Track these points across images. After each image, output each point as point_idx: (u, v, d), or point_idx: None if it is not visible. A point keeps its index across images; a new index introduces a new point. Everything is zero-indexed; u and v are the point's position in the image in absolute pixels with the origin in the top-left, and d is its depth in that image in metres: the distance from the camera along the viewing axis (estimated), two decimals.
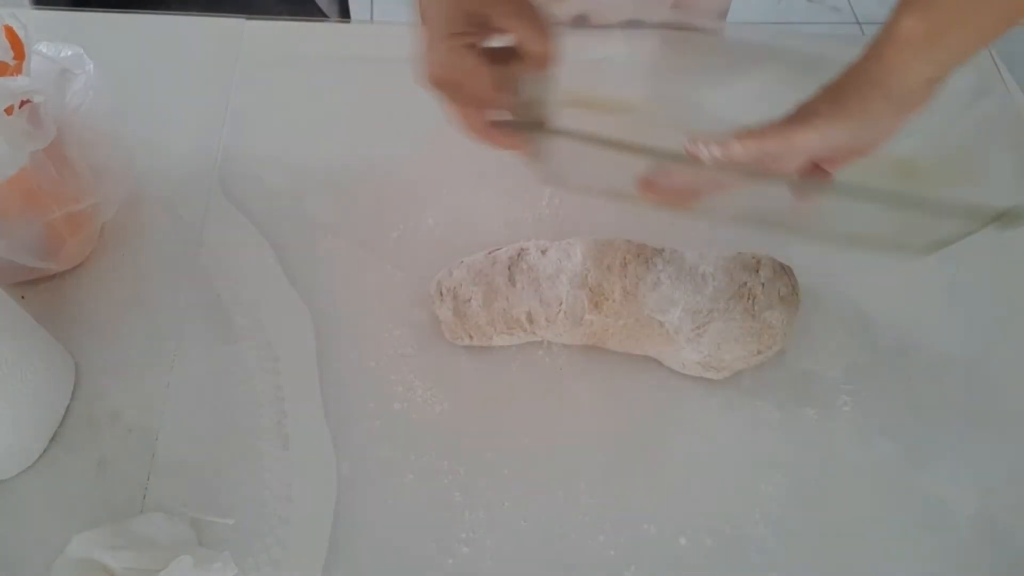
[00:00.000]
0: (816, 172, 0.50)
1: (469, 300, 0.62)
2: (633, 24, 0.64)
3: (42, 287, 0.66)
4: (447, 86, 0.51)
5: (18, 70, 0.56)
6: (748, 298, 0.59)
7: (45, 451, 0.58)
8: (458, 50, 0.49)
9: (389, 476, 0.58)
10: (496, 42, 0.50)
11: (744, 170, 0.47)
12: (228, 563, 0.50)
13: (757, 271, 0.60)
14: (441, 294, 0.63)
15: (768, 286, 0.60)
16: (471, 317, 0.62)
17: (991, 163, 0.52)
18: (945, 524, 0.58)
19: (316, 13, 1.14)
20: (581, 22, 0.69)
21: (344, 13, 1.20)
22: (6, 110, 0.53)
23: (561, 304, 0.60)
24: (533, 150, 0.52)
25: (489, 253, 0.64)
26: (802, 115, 0.46)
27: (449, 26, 0.49)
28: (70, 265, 0.66)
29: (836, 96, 0.46)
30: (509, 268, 0.62)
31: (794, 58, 0.57)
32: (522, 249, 0.63)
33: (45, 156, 0.58)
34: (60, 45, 0.63)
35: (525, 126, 0.51)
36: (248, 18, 0.85)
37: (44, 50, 0.62)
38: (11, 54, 0.56)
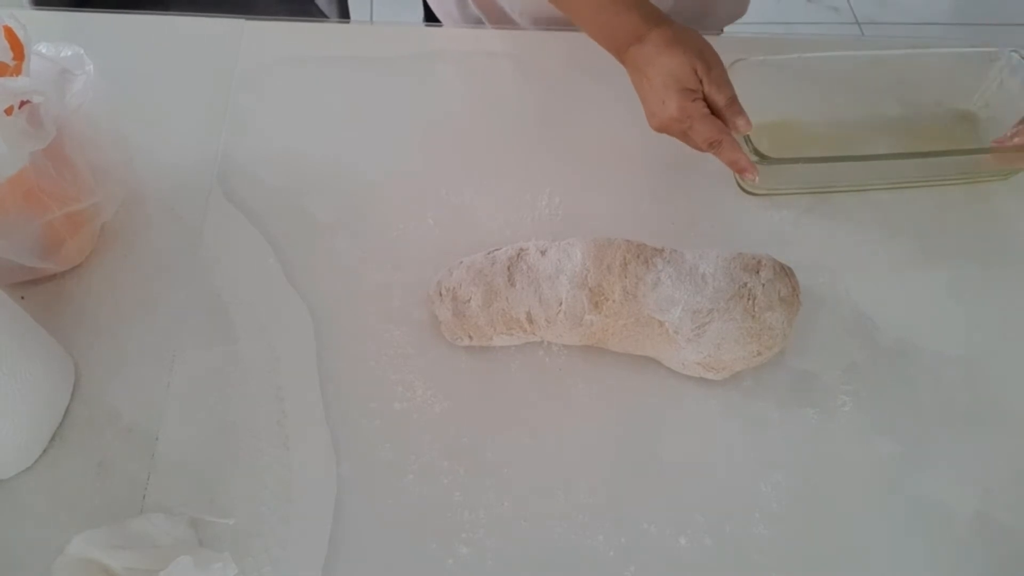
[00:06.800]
0: None
1: (468, 300, 0.62)
2: None
3: (42, 287, 0.66)
4: (673, 129, 0.67)
5: (18, 70, 0.56)
6: (748, 299, 0.59)
7: (45, 451, 0.58)
8: (689, 101, 0.65)
9: (389, 476, 0.58)
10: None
11: None
12: (228, 563, 0.50)
13: (758, 272, 0.60)
14: (440, 294, 0.63)
15: (768, 287, 0.60)
16: (470, 317, 0.62)
17: None
18: (945, 524, 0.58)
19: (316, 14, 1.14)
20: None
21: (344, 14, 1.20)
22: (6, 110, 0.53)
23: (561, 304, 0.60)
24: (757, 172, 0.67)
25: (488, 253, 0.64)
26: None
27: (681, 82, 0.65)
28: (70, 265, 0.66)
29: None
30: (508, 268, 0.62)
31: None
32: (522, 249, 0.63)
33: (45, 156, 0.58)
34: (60, 45, 0.63)
35: (762, 160, 0.67)
36: (248, 18, 0.85)
37: (44, 50, 0.62)
38: (11, 54, 0.56)
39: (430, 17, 1.03)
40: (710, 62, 0.66)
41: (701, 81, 0.65)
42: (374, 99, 0.80)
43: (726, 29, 0.99)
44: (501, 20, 0.92)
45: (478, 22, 0.94)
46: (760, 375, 0.63)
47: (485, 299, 0.61)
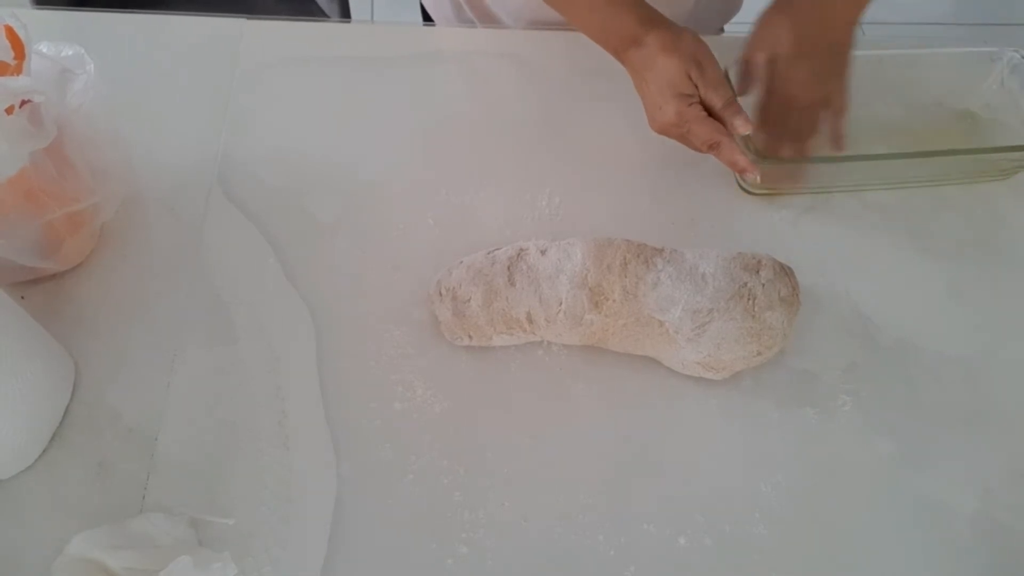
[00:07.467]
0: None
1: (468, 300, 0.62)
2: None
3: (42, 287, 0.66)
4: (672, 133, 0.68)
5: (18, 70, 0.56)
6: (748, 298, 0.59)
7: (45, 451, 0.58)
8: (685, 106, 0.65)
9: (389, 476, 0.58)
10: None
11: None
12: (228, 563, 0.50)
13: (758, 272, 0.60)
14: (440, 294, 0.63)
15: (768, 287, 0.60)
16: (470, 317, 0.62)
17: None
18: (945, 524, 0.58)
19: (317, 13, 1.14)
20: None
21: (345, 13, 1.20)
22: (6, 110, 0.53)
23: (561, 304, 0.60)
24: (759, 172, 0.67)
25: (488, 253, 0.64)
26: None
27: (676, 88, 0.65)
28: (70, 265, 0.66)
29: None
30: (508, 268, 0.62)
31: None
32: (521, 249, 0.63)
33: (45, 156, 0.58)
34: (60, 45, 0.63)
35: (762, 159, 0.67)
36: (248, 18, 0.85)
37: (44, 50, 0.62)
38: (11, 54, 0.55)
39: (427, 20, 1.03)
40: (704, 65, 0.65)
41: (697, 85, 0.65)
42: (374, 99, 0.80)
43: (726, 29, 0.99)
44: (495, 25, 0.92)
45: (472, 25, 0.94)
46: (760, 375, 0.63)
47: (485, 299, 0.61)
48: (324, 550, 0.55)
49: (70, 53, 0.63)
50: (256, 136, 0.77)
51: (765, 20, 0.71)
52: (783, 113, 0.70)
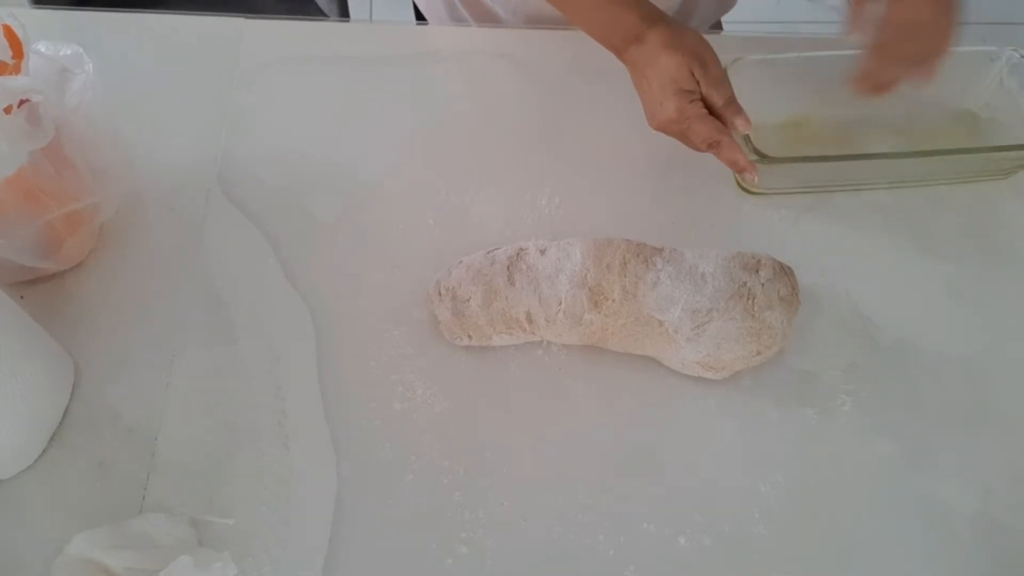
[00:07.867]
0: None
1: (468, 300, 0.62)
2: None
3: (41, 287, 0.66)
4: (672, 131, 0.67)
5: (17, 69, 0.56)
6: (748, 298, 0.59)
7: (45, 451, 0.58)
8: (686, 103, 0.65)
9: (389, 476, 0.58)
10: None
11: None
12: (228, 563, 0.50)
13: (757, 271, 0.60)
14: (440, 294, 0.63)
15: (768, 286, 0.60)
16: (470, 317, 0.62)
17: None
18: (945, 524, 0.58)
19: (316, 13, 1.14)
20: None
21: (344, 13, 1.20)
22: (5, 109, 0.53)
23: (560, 304, 0.60)
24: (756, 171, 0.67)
25: (488, 253, 0.64)
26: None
27: (678, 84, 0.65)
28: (69, 265, 0.66)
29: None
30: (508, 268, 0.62)
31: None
32: (521, 249, 0.63)
33: (44, 155, 0.58)
34: (59, 44, 0.63)
35: (762, 159, 0.67)
36: (248, 18, 0.85)
37: (43, 49, 0.62)
38: (10, 53, 0.55)
39: (419, 18, 1.03)
40: (707, 63, 0.65)
41: (699, 82, 0.65)
42: (374, 98, 0.80)
43: (726, 27, 0.99)
44: (490, 22, 0.92)
45: (466, 23, 0.94)
46: (759, 375, 0.63)
47: (484, 299, 0.61)
48: (324, 550, 0.55)
49: (68, 52, 0.63)
50: (256, 136, 0.77)
51: None
52: (900, 37, 0.67)
